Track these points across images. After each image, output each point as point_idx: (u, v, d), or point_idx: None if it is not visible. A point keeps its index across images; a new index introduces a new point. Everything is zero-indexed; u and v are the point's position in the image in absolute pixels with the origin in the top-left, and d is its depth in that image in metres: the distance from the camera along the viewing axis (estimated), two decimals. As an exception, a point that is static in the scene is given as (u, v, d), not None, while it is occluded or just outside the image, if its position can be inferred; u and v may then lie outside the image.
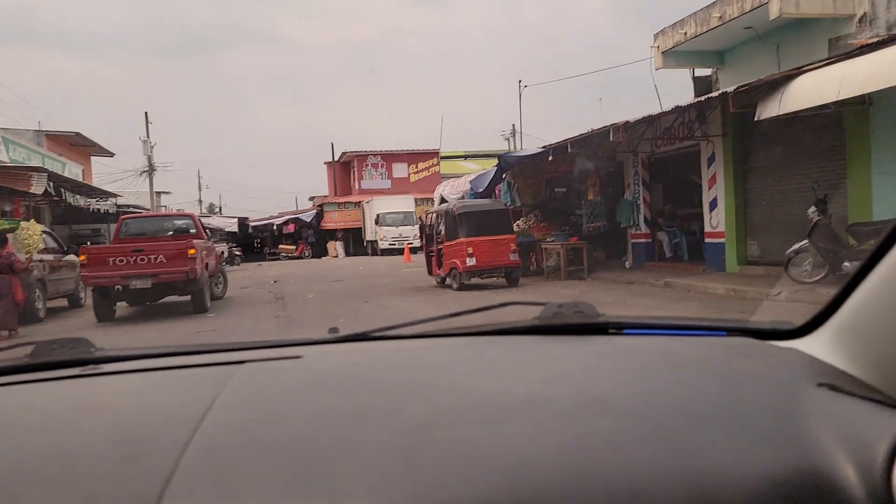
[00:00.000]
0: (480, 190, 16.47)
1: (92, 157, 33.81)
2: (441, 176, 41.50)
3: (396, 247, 32.09)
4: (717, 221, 12.86)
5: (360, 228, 36.97)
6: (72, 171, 25.69)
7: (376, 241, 33.42)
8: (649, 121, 12.74)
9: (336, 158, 42.12)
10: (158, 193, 56.02)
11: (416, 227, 34.11)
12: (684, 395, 0.86)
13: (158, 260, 11.16)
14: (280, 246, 37.81)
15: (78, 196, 20.81)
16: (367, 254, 35.60)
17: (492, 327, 1.21)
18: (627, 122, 12.34)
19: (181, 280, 11.26)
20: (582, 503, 0.67)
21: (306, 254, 36.99)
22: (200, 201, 60.18)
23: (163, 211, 34.10)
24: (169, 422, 0.86)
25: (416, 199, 35.14)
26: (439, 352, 1.16)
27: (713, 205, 12.92)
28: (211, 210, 47.94)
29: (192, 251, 11.25)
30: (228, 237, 34.57)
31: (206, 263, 12.24)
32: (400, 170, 41.18)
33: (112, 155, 34.06)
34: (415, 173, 41.28)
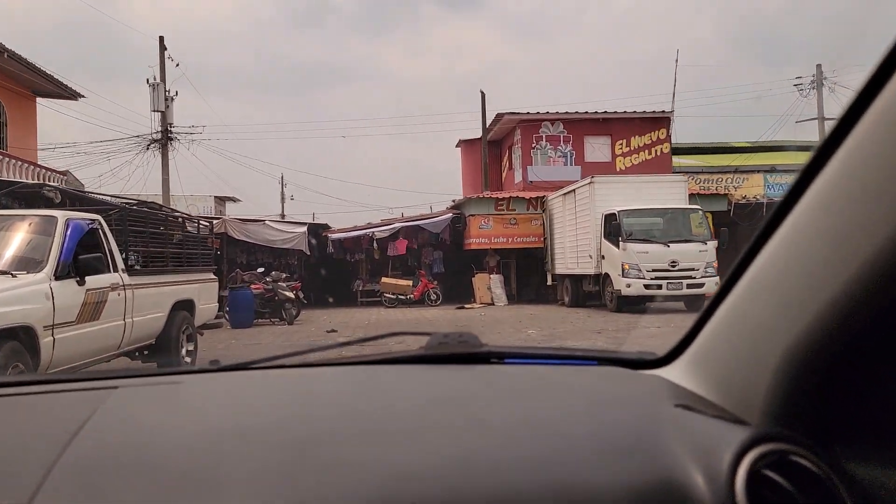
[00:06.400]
0: None
1: (39, 100, 17.60)
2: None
3: (663, 293, 13.44)
4: None
5: (543, 249, 18.76)
6: None
7: (607, 279, 14.63)
8: None
9: (486, 129, 23.95)
10: (223, 199, 40.39)
11: (712, 246, 14.83)
12: (557, 417, 0.93)
13: None
14: (383, 280, 19.96)
15: None
16: (553, 300, 17.33)
17: (378, 357, 1.21)
18: None
19: None
20: None
21: (432, 296, 19.24)
22: (283, 215, 45.32)
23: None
24: (35, 443, 0.86)
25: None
26: (323, 380, 1.17)
27: None
28: (317, 225, 30.95)
29: None
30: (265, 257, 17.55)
31: None
32: (597, 149, 22.96)
33: (75, 97, 17.82)
34: (624, 155, 22.92)
